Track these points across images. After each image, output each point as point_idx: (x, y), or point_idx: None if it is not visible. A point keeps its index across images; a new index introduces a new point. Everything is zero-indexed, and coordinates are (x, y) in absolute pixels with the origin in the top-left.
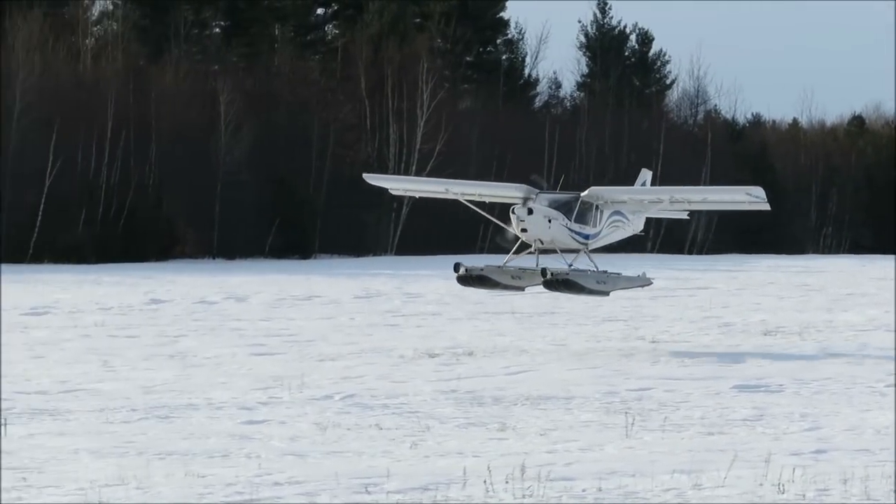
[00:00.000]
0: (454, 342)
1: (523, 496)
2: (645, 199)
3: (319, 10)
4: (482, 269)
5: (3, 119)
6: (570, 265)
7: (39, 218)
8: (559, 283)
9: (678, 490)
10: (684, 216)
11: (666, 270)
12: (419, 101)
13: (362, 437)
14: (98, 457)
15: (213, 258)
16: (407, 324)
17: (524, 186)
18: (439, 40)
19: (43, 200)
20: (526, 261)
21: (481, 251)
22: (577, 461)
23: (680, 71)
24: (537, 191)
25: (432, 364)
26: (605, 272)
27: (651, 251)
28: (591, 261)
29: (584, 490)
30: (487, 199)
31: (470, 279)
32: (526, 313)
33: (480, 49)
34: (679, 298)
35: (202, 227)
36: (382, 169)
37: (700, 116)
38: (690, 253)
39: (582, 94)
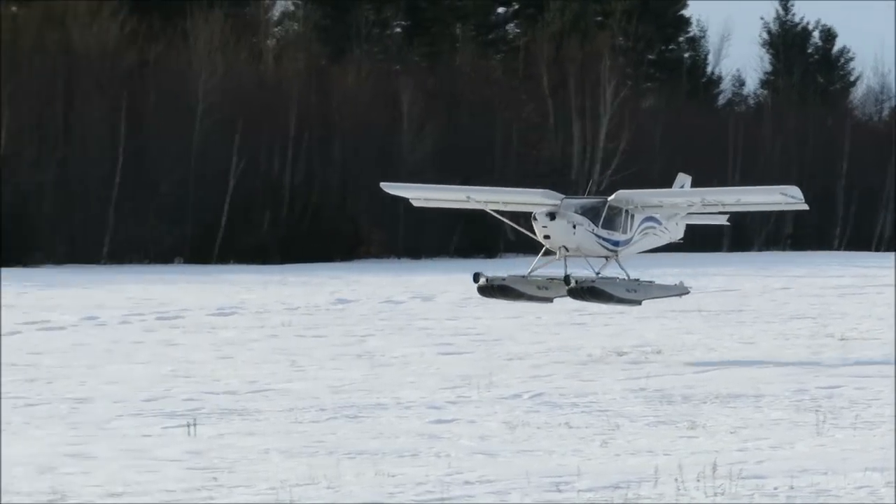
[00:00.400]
0: (642, 340)
1: (714, 494)
2: (676, 202)
3: (500, 9)
4: (504, 279)
5: (187, 120)
6: (598, 273)
7: (224, 218)
8: (584, 291)
9: (871, 488)
10: (723, 221)
11: (852, 268)
12: (602, 100)
13: (552, 435)
14: (288, 456)
15: (399, 258)
16: (594, 322)
17: (549, 192)
18: (621, 38)
19: (227, 201)
20: (553, 270)
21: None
22: (767, 459)
23: (864, 68)
24: (562, 196)
25: (620, 362)
26: (637, 280)
27: (838, 248)
28: (622, 268)
29: (775, 488)
30: (511, 208)
31: (491, 290)
32: (713, 311)
33: (662, 47)
34: (867, 296)
35: (387, 227)
36: (567, 168)
37: (885, 113)
38: (878, 250)
39: (765, 92)
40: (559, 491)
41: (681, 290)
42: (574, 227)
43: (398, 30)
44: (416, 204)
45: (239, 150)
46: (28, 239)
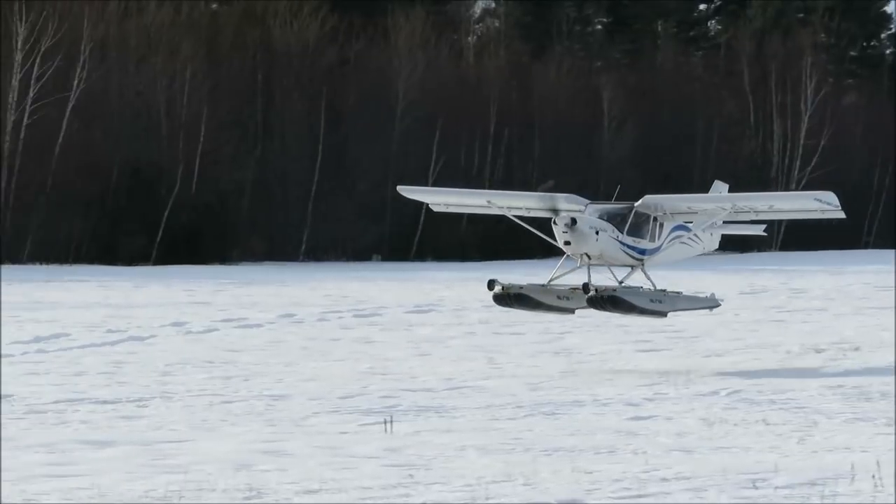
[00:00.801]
0: (840, 338)
1: None
2: (706, 208)
3: (702, 6)
4: (522, 288)
5: (387, 118)
6: (621, 282)
7: (423, 216)
8: (605, 300)
9: None
10: (760, 231)
11: None
12: (803, 97)
13: (749, 432)
14: (485, 453)
15: None
16: (792, 319)
17: (573, 196)
18: (823, 35)
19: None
20: (575, 278)
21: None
22: None
23: None
24: (587, 202)
25: (819, 359)
26: (664, 291)
27: None
28: (648, 278)
29: None
30: (534, 213)
31: (508, 298)
32: None
33: (864, 44)
34: None
35: None
36: (767, 165)
37: None
38: None
39: None
40: (755, 488)
41: (711, 303)
42: (597, 233)
43: (599, 27)
44: (435, 209)
45: (438, 147)
46: (226, 236)
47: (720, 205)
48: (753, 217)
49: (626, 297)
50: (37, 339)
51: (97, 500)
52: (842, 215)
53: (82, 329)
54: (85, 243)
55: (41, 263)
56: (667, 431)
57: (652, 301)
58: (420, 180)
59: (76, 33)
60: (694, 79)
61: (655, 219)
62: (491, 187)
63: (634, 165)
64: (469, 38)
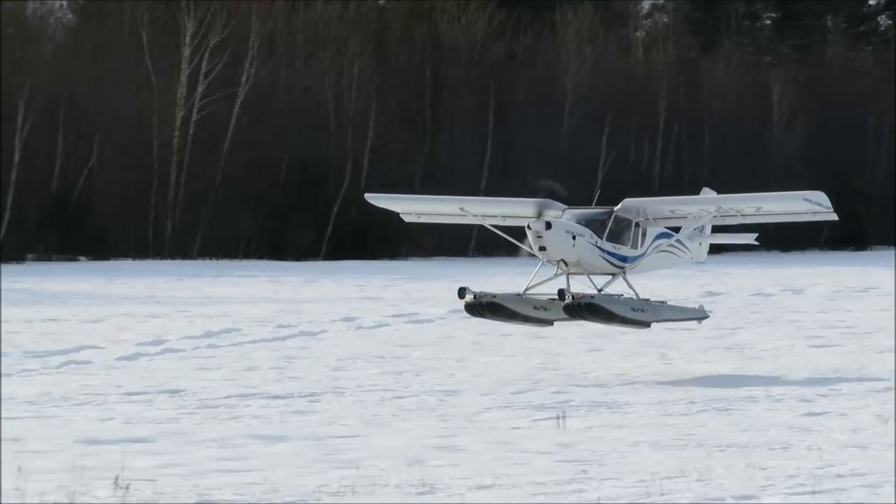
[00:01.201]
0: None
1: None
2: (689, 210)
3: (872, 1)
4: (494, 297)
5: (556, 113)
6: (600, 289)
7: None
8: (582, 308)
9: None
10: (751, 240)
11: None
12: None
13: None
14: (657, 449)
15: (768, 250)
16: None
17: (550, 202)
18: None
19: (596, 194)
20: (552, 287)
21: None
22: None
23: None
24: (565, 207)
25: None
26: (647, 300)
27: None
28: (630, 287)
29: None
30: (510, 221)
31: (480, 308)
32: None
33: None
34: None
35: None
36: None
37: None
38: None
39: None
40: None
41: (699, 314)
42: (573, 238)
43: (768, 22)
44: (407, 219)
45: (608, 142)
46: (396, 231)
47: (704, 207)
48: (741, 220)
49: (605, 305)
50: (208, 335)
51: (270, 494)
52: (834, 217)
53: (253, 324)
54: (254, 239)
55: (211, 258)
56: (841, 427)
57: (634, 310)
58: (590, 176)
59: (244, 29)
60: (864, 74)
61: (638, 224)
62: (661, 184)
63: (804, 161)
64: (637, 34)
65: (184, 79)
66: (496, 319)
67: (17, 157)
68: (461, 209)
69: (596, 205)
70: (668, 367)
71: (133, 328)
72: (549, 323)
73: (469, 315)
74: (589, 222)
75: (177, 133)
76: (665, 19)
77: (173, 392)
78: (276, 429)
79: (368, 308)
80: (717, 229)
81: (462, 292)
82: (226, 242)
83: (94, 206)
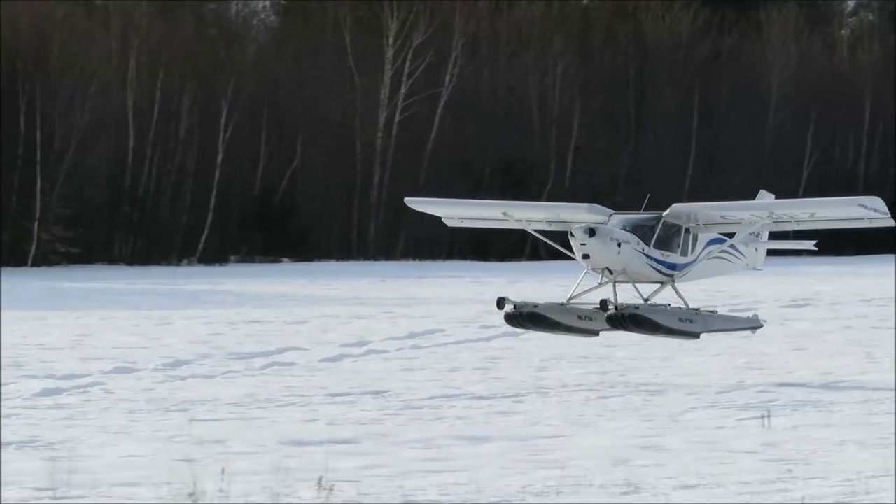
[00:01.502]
0: None
1: None
2: (740, 216)
3: None
4: (536, 307)
5: (760, 112)
6: (647, 299)
7: None
8: (626, 319)
9: None
10: (809, 246)
11: None
12: None
13: None
14: (863, 448)
15: None
16: None
17: (596, 206)
18: None
19: (801, 189)
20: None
21: None
22: None
23: None
24: (611, 212)
25: None
26: (696, 310)
27: None
28: (680, 296)
29: None
30: (554, 227)
31: (520, 318)
32: None
33: None
34: None
35: None
36: None
37: None
38: None
39: None
40: None
41: (752, 324)
42: (619, 245)
43: None
44: (449, 224)
45: (812, 141)
46: None
47: (756, 213)
48: (795, 226)
49: (651, 316)
50: (411, 335)
51: (474, 495)
52: (891, 223)
53: (457, 325)
54: (457, 240)
55: (414, 259)
56: None
57: (681, 320)
58: (794, 174)
59: (447, 29)
60: None
61: (688, 230)
62: (865, 183)
63: None
64: (842, 32)
65: (387, 79)
66: (538, 330)
67: (220, 157)
68: (504, 214)
69: (645, 210)
70: (874, 366)
71: (337, 329)
72: (595, 333)
73: (510, 326)
74: (636, 228)
75: (380, 134)
76: (870, 17)
77: (377, 393)
78: (481, 429)
79: None
80: (774, 235)
81: (501, 302)
82: (429, 243)
83: (297, 207)
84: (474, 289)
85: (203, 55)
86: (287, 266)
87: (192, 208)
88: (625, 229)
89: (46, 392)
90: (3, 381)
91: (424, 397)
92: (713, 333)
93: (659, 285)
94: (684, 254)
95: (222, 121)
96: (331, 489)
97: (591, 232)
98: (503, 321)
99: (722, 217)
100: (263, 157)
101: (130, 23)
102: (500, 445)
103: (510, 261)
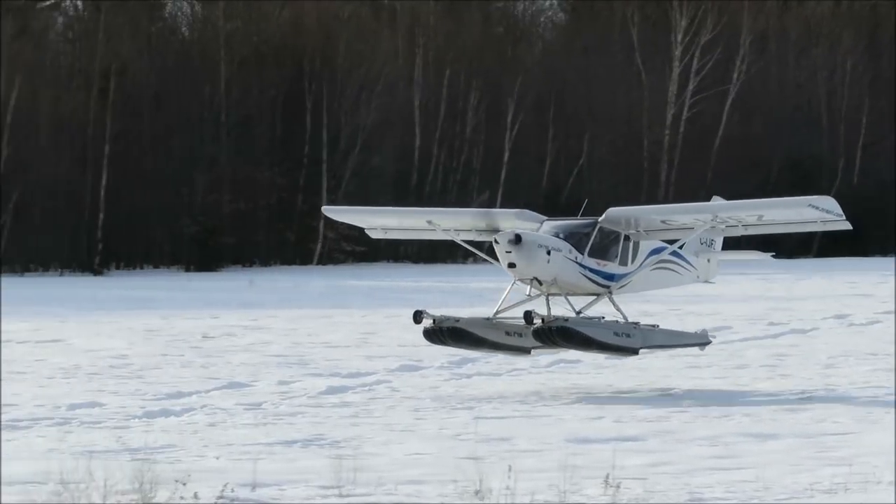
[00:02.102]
0: None
1: None
2: (682, 220)
3: None
4: (457, 321)
5: None
6: (579, 312)
7: None
8: (553, 333)
9: None
10: (766, 256)
11: None
12: None
13: None
14: None
15: None
16: None
17: (526, 212)
18: None
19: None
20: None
21: None
22: None
23: None
24: (544, 218)
25: None
26: (635, 324)
27: None
28: (617, 308)
29: None
30: (484, 236)
31: (440, 334)
32: None
33: None
34: None
35: None
36: None
37: None
38: None
39: None
40: None
41: (699, 340)
42: (548, 252)
43: None
44: (373, 235)
45: None
46: (890, 228)
47: (698, 216)
48: (742, 231)
49: (582, 330)
50: None
51: (761, 492)
52: (847, 225)
53: (744, 322)
54: (743, 238)
55: None
56: None
57: (617, 335)
58: None
59: (735, 26)
60: None
61: (627, 237)
62: None
63: None
64: None
65: (675, 77)
66: (461, 347)
67: (506, 156)
68: (429, 223)
69: (582, 215)
70: None
71: None
72: (526, 351)
73: (429, 342)
74: (569, 235)
75: (667, 131)
76: None
77: (664, 391)
78: (768, 427)
79: (860, 305)
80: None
81: (418, 316)
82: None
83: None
84: (762, 286)
85: (489, 53)
86: None
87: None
88: (557, 236)
89: (332, 390)
90: (289, 378)
91: (711, 394)
92: (654, 349)
93: (594, 297)
94: (623, 263)
95: (508, 119)
96: (617, 487)
97: (517, 239)
98: (423, 337)
99: (662, 222)
100: (550, 155)
101: (417, 21)
102: (788, 443)
103: (798, 258)
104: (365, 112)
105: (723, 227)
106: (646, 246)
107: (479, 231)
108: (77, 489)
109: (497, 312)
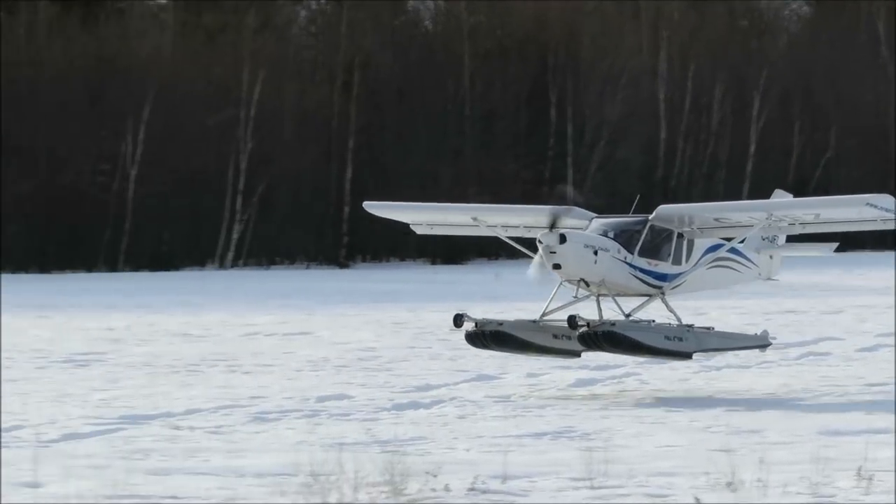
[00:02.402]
0: None
1: None
2: (737, 219)
3: None
4: (500, 325)
5: None
6: (628, 315)
7: None
8: (599, 338)
9: None
10: (829, 251)
11: None
12: None
13: None
14: None
15: None
16: None
17: (577, 210)
18: None
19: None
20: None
21: None
22: None
23: None
24: (593, 216)
25: None
26: (689, 327)
27: None
28: (671, 310)
29: None
30: (532, 233)
31: (482, 338)
32: None
33: None
34: None
35: None
36: None
37: None
38: None
39: None
40: None
41: (759, 342)
42: (595, 253)
43: None
44: (419, 231)
45: None
46: None
47: (752, 214)
48: (800, 229)
49: (629, 334)
50: None
51: None
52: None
53: None
54: None
55: None
56: None
57: (668, 338)
58: None
59: None
60: None
61: (681, 235)
62: None
63: None
64: None
65: None
66: (505, 351)
67: (752, 149)
68: (474, 219)
69: (633, 213)
70: None
71: (872, 319)
72: (576, 354)
73: (471, 346)
74: (619, 234)
75: None
76: None
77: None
78: None
79: None
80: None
81: (459, 320)
82: None
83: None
84: None
85: (734, 47)
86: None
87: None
88: (606, 235)
89: (581, 383)
90: (537, 370)
91: None
92: (710, 353)
93: (646, 298)
94: (676, 262)
95: (754, 112)
96: (870, 479)
97: (562, 238)
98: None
99: (716, 220)
100: (796, 148)
101: (661, 15)
102: None
103: None
104: (610, 105)
105: (780, 225)
106: (701, 244)
107: (528, 228)
108: (327, 481)
109: (543, 314)
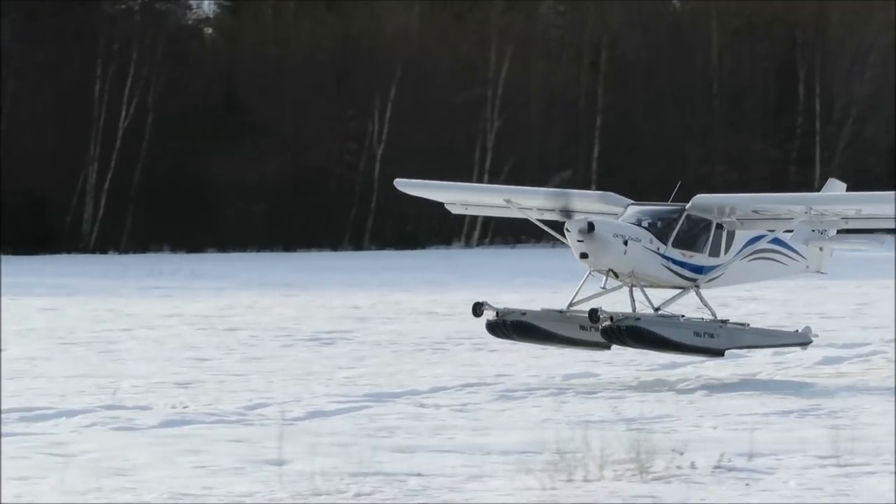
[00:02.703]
0: None
1: None
2: (775, 210)
3: None
4: (523, 314)
5: None
6: (657, 308)
7: None
8: (622, 333)
9: None
10: (880, 244)
11: None
12: None
13: None
14: None
15: None
16: None
17: (610, 195)
18: None
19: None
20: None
21: None
22: None
23: None
24: (628, 202)
25: None
26: (723, 322)
27: None
28: (706, 303)
29: None
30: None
31: (503, 328)
32: None
33: None
34: None
35: None
36: None
37: None
38: None
39: None
40: None
41: (800, 339)
42: (625, 242)
43: None
44: (454, 210)
45: None
46: None
47: (791, 207)
48: (843, 224)
49: (655, 330)
50: None
51: None
52: None
53: None
54: None
55: None
56: None
57: (698, 335)
58: None
59: None
60: None
61: (720, 226)
62: None
63: None
64: None
65: None
66: (528, 342)
67: None
68: (507, 201)
69: (672, 200)
70: None
71: None
72: (605, 346)
73: (493, 336)
74: (653, 223)
75: None
76: None
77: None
78: None
79: None
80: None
81: (478, 308)
82: None
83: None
84: None
85: None
86: None
87: None
88: (640, 223)
89: (827, 361)
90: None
91: None
92: (745, 350)
93: (679, 290)
94: (714, 254)
95: None
96: None
97: (589, 227)
98: (486, 330)
99: (755, 211)
100: None
101: None
102: None
103: None
104: (858, 83)
105: (820, 219)
106: (742, 235)
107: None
108: (573, 459)
109: (571, 305)
